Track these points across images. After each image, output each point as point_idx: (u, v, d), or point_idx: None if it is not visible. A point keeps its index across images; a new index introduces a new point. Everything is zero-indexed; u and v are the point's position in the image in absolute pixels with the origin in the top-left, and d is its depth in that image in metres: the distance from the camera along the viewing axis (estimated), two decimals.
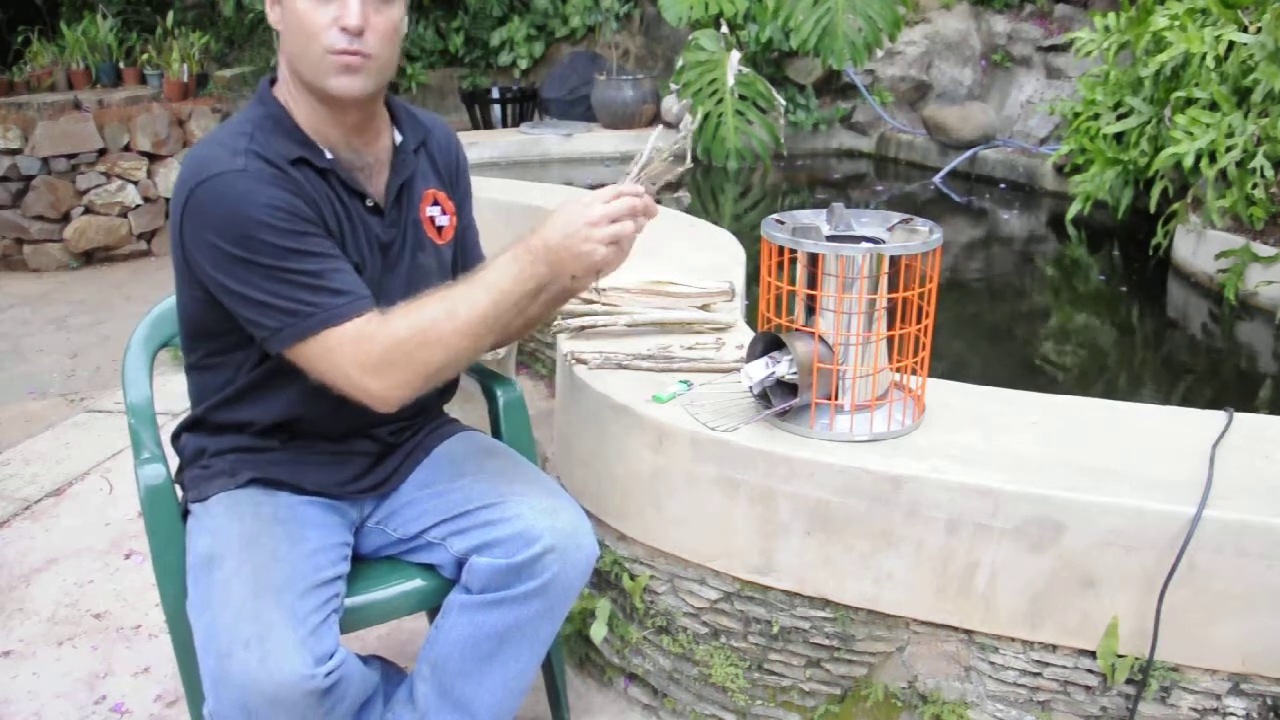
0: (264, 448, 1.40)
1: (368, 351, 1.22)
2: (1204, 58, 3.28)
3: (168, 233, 4.94)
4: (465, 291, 1.23)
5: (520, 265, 1.24)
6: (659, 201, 1.38)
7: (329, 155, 1.32)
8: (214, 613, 1.20)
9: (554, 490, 1.43)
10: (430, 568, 1.44)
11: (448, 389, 1.56)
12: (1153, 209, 3.45)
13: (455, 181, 1.52)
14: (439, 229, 1.46)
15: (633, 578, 1.71)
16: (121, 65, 5.34)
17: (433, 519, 1.42)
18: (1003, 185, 4.66)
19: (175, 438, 1.47)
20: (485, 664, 1.37)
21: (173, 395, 3.20)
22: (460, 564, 1.39)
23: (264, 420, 1.39)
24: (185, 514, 1.39)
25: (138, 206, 4.91)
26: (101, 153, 4.83)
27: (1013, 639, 1.45)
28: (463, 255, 1.53)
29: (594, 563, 1.40)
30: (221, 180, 1.22)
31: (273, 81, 1.36)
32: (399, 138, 1.42)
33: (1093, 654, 1.41)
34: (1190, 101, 3.35)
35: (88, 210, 4.82)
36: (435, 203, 1.47)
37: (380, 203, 1.38)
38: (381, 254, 1.38)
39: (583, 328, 1.86)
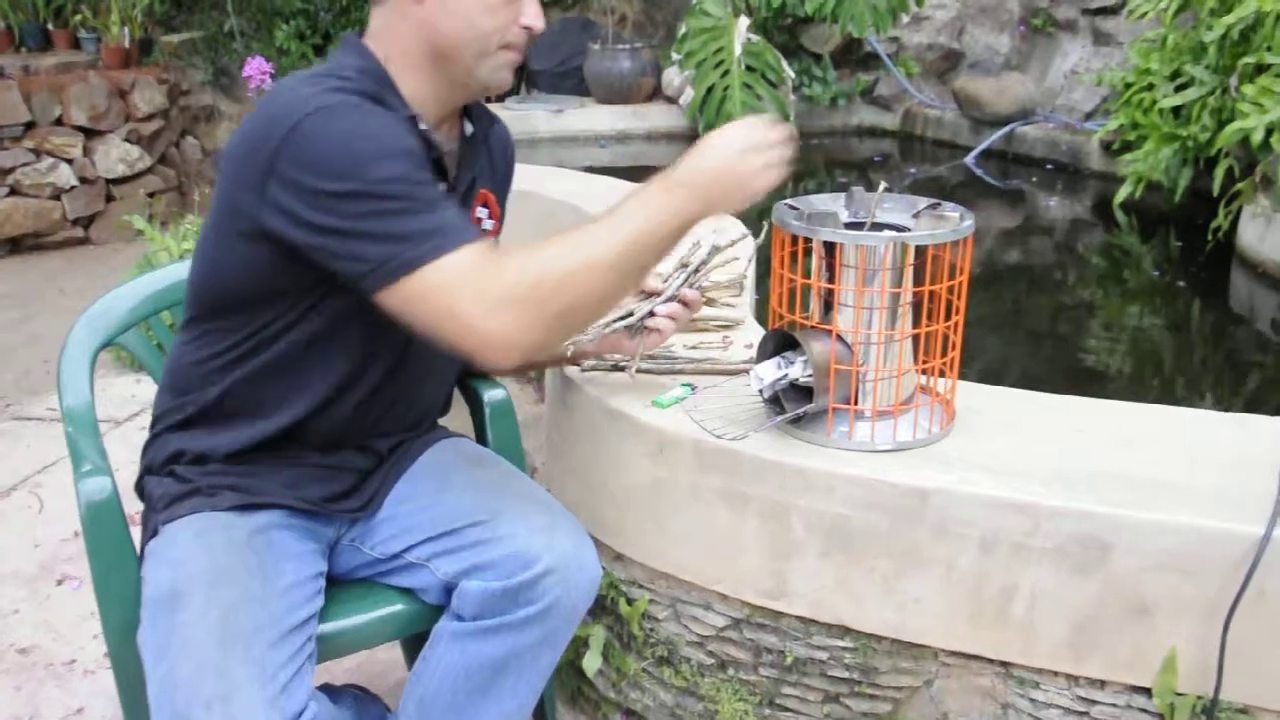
0: (252, 457, 1.40)
1: (489, 284, 1.16)
2: (1279, 18, 3.26)
3: (107, 217, 4.98)
4: (597, 228, 1.22)
5: (667, 199, 1.22)
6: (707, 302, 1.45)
7: (423, 125, 1.35)
8: (172, 662, 1.19)
9: (551, 506, 1.44)
10: (409, 591, 1.45)
11: (448, 402, 1.58)
12: (1215, 191, 3.45)
13: (505, 186, 1.57)
14: (483, 233, 1.49)
15: (630, 602, 1.73)
16: (50, 27, 5.32)
17: (415, 537, 1.43)
18: (1049, 166, 4.67)
19: (153, 439, 1.46)
20: (479, 699, 1.38)
21: (116, 400, 3.22)
22: (448, 589, 1.40)
23: (265, 425, 1.38)
24: (151, 535, 1.38)
25: (73, 188, 4.90)
26: (29, 126, 4.82)
27: (1055, 673, 1.46)
28: None
29: (598, 585, 1.41)
30: (331, 112, 1.22)
31: (360, 33, 1.39)
32: (469, 128, 1.47)
33: (1147, 691, 1.41)
34: (1261, 69, 3.34)
35: (13, 191, 4.79)
36: (485, 204, 1.51)
37: (450, 191, 1.41)
38: None
39: None
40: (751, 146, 1.24)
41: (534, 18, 1.36)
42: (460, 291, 1.16)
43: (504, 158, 1.56)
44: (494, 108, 5.56)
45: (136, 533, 1.40)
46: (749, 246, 1.42)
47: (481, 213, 1.50)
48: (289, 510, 1.40)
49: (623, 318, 1.52)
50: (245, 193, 1.25)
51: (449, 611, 1.40)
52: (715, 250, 1.54)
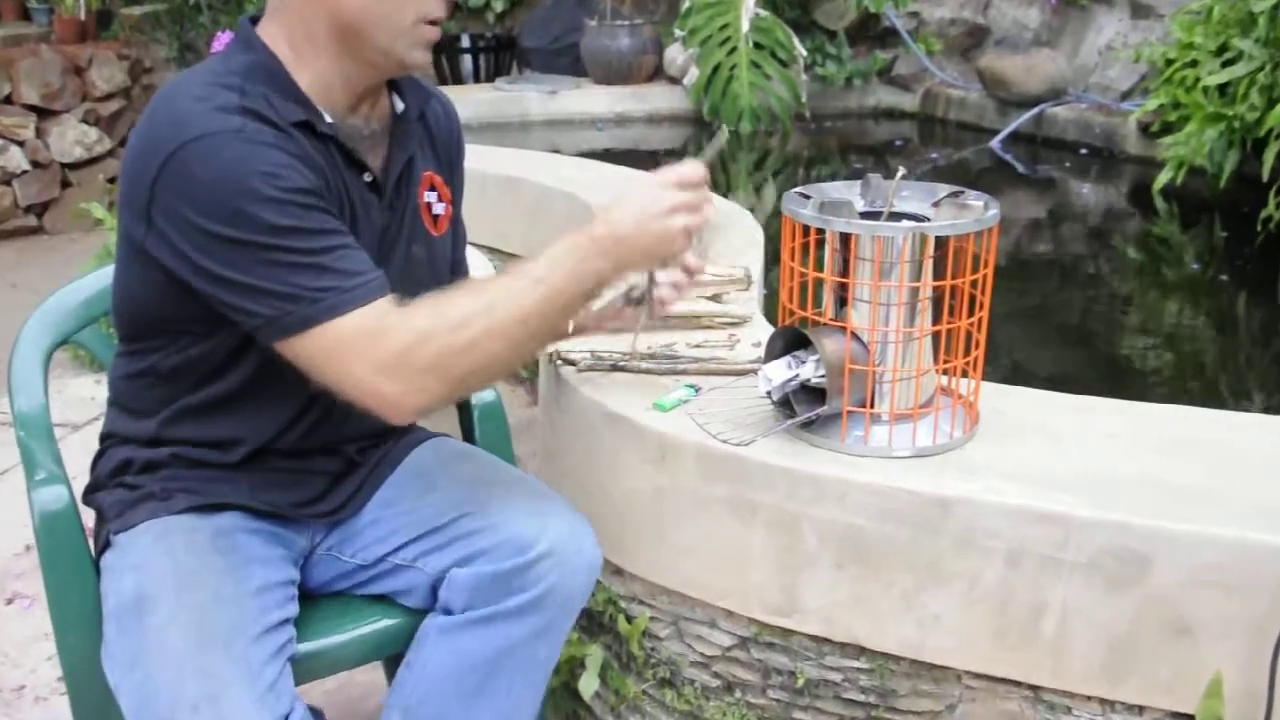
0: (209, 462, 1.40)
1: (384, 346, 1.20)
2: None
3: (63, 205, 4.98)
4: (508, 285, 1.25)
5: (580, 258, 1.26)
6: None
7: (329, 119, 1.33)
8: (149, 669, 1.20)
9: (542, 491, 1.46)
10: (394, 604, 1.45)
11: None
12: (1265, 176, 3.43)
13: (454, 164, 1.55)
14: (435, 218, 1.49)
15: (630, 619, 1.73)
16: None
17: (401, 539, 1.44)
18: (1082, 150, 4.67)
19: (102, 452, 1.46)
20: (473, 701, 1.37)
21: (73, 403, 3.21)
22: (435, 588, 1.40)
23: (218, 455, 1.39)
24: (104, 547, 1.38)
25: (24, 173, 4.91)
26: None
27: (1088, 697, 1.46)
28: (455, 249, 1.57)
29: (597, 571, 1.42)
30: (212, 143, 1.20)
31: (253, 20, 1.36)
32: (400, 105, 1.44)
33: (1189, 718, 1.42)
34: None
35: None
36: (432, 188, 1.49)
37: (380, 179, 1.39)
38: (378, 241, 1.39)
39: None
40: (664, 209, 1.31)
41: None
42: (353, 356, 1.20)
43: (447, 133, 1.54)
44: (482, 88, 5.58)
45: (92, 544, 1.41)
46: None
47: (430, 197, 1.48)
48: (252, 513, 1.40)
49: (623, 292, 1.51)
50: (134, 217, 1.26)
51: (436, 607, 1.41)
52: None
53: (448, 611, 1.39)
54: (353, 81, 1.35)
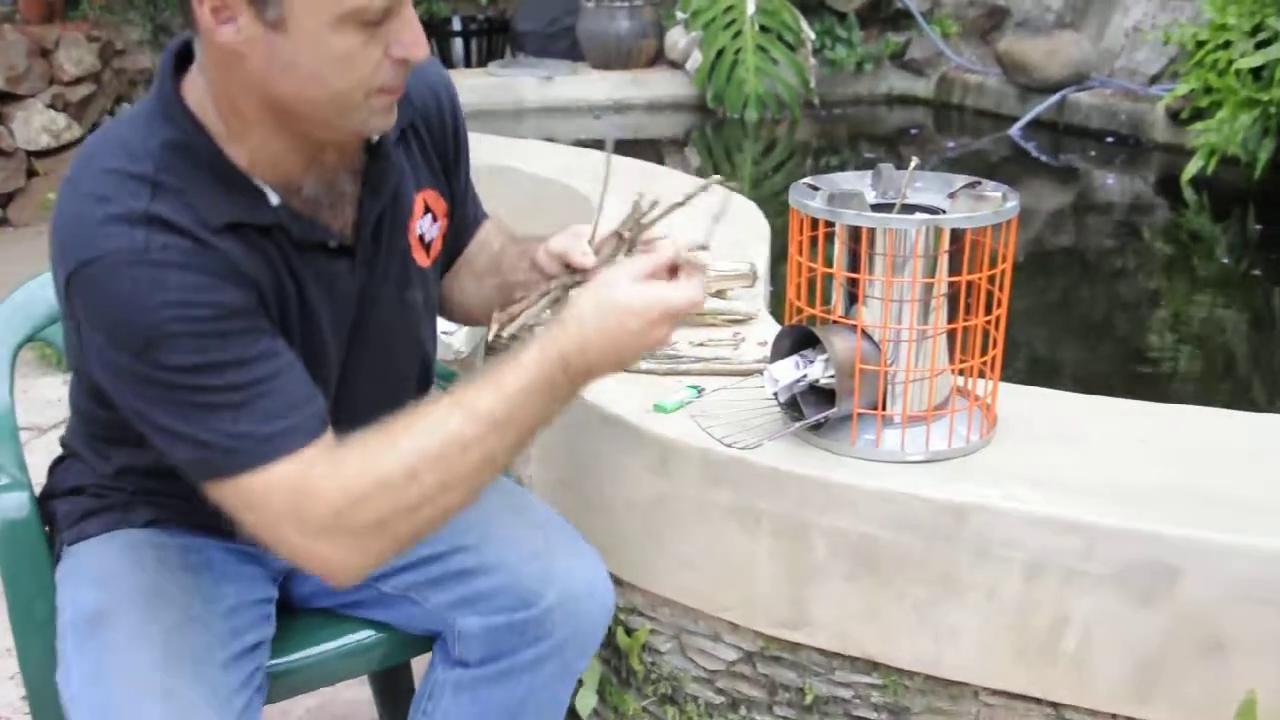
0: (176, 494, 1.31)
1: (311, 507, 1.09)
2: None
3: (29, 195, 4.97)
4: (463, 428, 1.11)
5: (550, 396, 1.14)
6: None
7: (275, 200, 1.18)
8: (108, 687, 1.18)
9: (546, 522, 1.45)
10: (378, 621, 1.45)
11: (424, 388, 1.49)
12: None
13: (454, 158, 1.42)
14: (427, 245, 1.37)
15: (629, 632, 1.73)
16: None
17: (391, 568, 1.40)
18: (1109, 139, 4.67)
19: (61, 459, 1.44)
20: None
21: (39, 404, 3.21)
22: (437, 621, 1.40)
23: (183, 506, 1.33)
24: (56, 559, 1.37)
25: None
26: None
27: (1114, 716, 1.46)
28: (456, 237, 1.46)
29: (611, 610, 1.43)
30: (111, 267, 1.07)
31: (179, 68, 1.18)
32: (374, 136, 1.27)
33: None
34: None
35: None
36: (426, 209, 1.37)
37: (349, 241, 1.26)
38: (355, 306, 1.29)
39: None
40: (653, 341, 1.17)
41: (410, 46, 1.12)
42: (277, 515, 1.11)
43: (440, 130, 1.39)
44: (474, 73, 5.57)
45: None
46: (718, 200, 1.31)
47: (423, 222, 1.36)
48: (227, 537, 1.36)
49: (543, 295, 1.33)
50: (65, 316, 1.18)
51: (447, 659, 1.40)
52: (661, 210, 1.34)
53: (464, 664, 1.39)
54: (303, 149, 1.19)
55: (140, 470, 1.33)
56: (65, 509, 1.38)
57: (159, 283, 1.07)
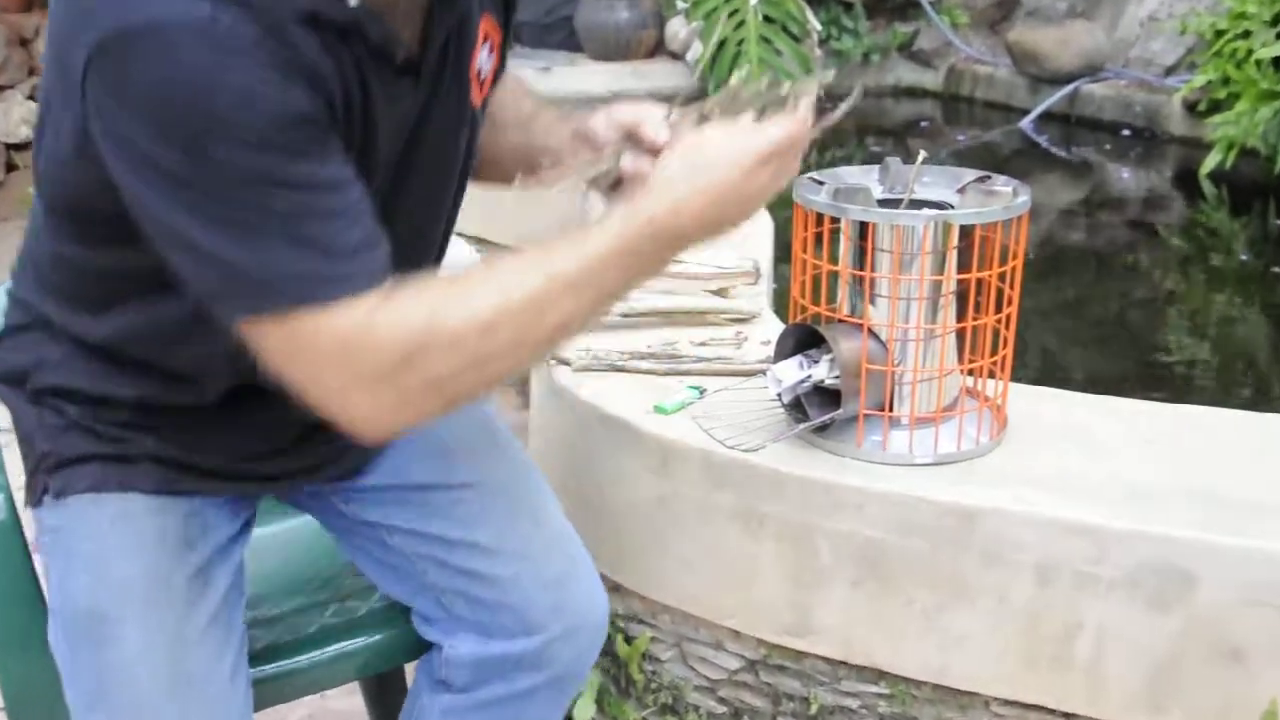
0: (178, 405, 1.19)
1: (367, 357, 0.98)
2: None
3: (8, 189, 4.98)
4: (538, 281, 1.01)
5: (638, 262, 1.04)
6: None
7: (353, 3, 1.00)
8: (111, 711, 1.15)
9: (566, 539, 1.38)
10: (367, 624, 1.44)
11: (439, 260, 1.36)
12: None
13: None
14: (482, 82, 1.22)
15: (629, 640, 1.74)
16: None
17: (402, 518, 1.34)
18: (1123, 132, 4.67)
19: (22, 326, 1.22)
20: None
21: None
22: (432, 601, 1.35)
23: (190, 358, 1.16)
24: (40, 497, 1.21)
25: None
26: None
27: None
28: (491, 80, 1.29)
29: (606, 628, 1.40)
30: (164, 36, 0.90)
31: None
32: None
33: None
34: None
35: None
36: (485, 39, 1.21)
37: (415, 58, 1.09)
38: (407, 134, 1.13)
39: None
40: (753, 194, 1.07)
41: None
42: (325, 360, 0.99)
43: None
44: None
45: (39, 562, 1.37)
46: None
47: (482, 57, 1.21)
48: (225, 477, 1.25)
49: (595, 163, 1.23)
50: (67, 95, 0.99)
51: (432, 680, 1.38)
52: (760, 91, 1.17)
53: (448, 687, 1.37)
54: None
55: (138, 341, 1.15)
56: (45, 430, 1.19)
57: (223, 66, 0.91)
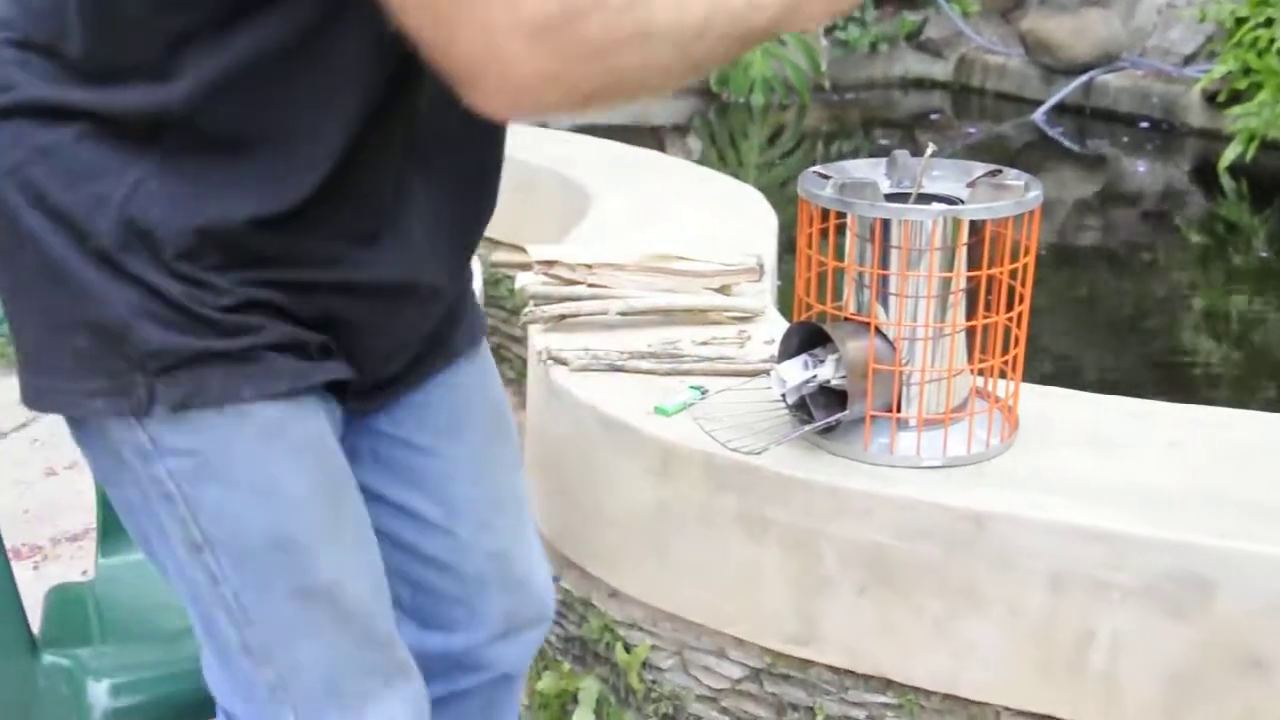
0: (307, 258, 1.04)
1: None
2: None
3: None
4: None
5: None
6: None
7: None
8: (296, 661, 1.08)
9: (533, 536, 1.38)
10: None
11: None
12: None
13: None
14: None
15: (628, 648, 1.74)
16: None
17: (388, 492, 1.26)
18: (1144, 125, 4.68)
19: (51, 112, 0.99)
20: None
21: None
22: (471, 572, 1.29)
23: (359, 208, 1.06)
24: (148, 402, 1.00)
25: None
26: None
27: None
28: None
29: (550, 623, 1.42)
30: None
31: None
32: None
33: None
34: None
35: None
36: None
37: None
38: None
39: (562, 316, 1.88)
40: None
41: None
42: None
43: None
44: None
45: (20, 569, 1.36)
46: None
47: None
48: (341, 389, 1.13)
49: None
50: None
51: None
52: None
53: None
54: None
55: (234, 96, 0.97)
56: (138, 321, 0.99)
57: None
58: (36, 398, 1.05)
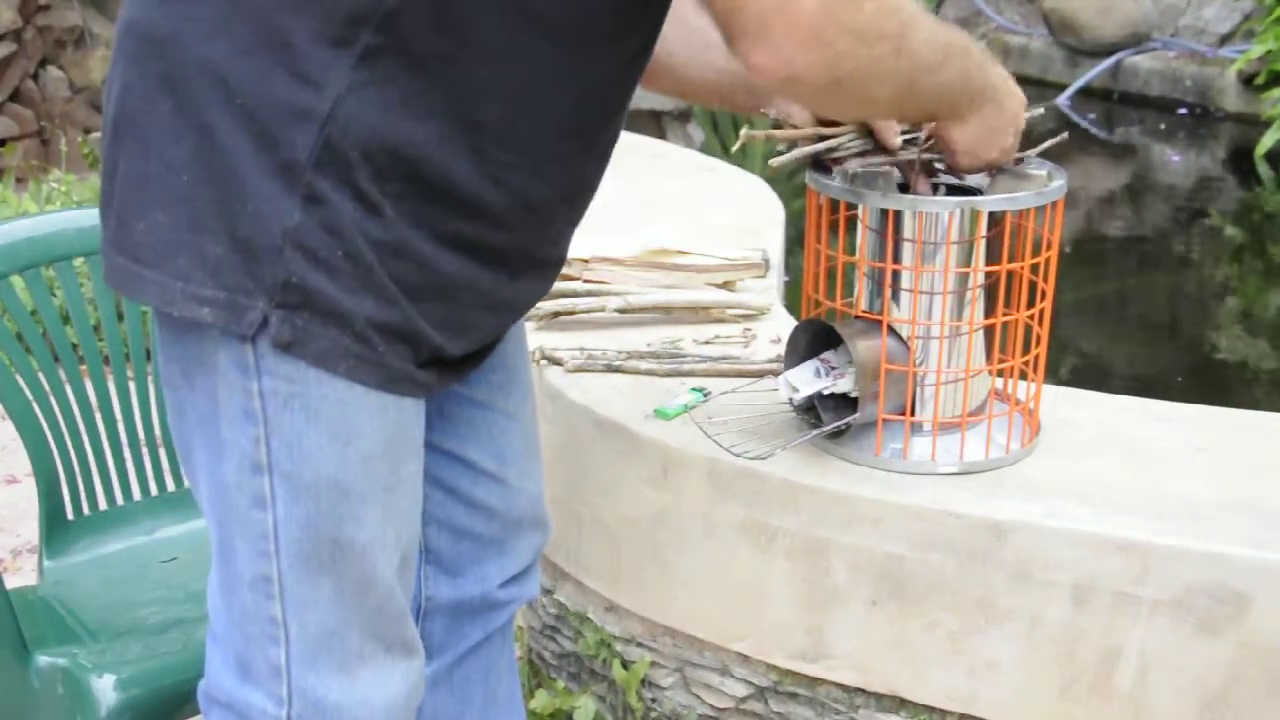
0: (476, 281, 1.13)
1: None
2: None
3: None
4: (953, 40, 1.22)
5: (997, 78, 1.33)
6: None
7: None
8: (340, 579, 1.13)
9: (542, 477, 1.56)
10: None
11: None
12: None
13: None
14: None
15: (626, 665, 1.75)
16: None
17: (441, 442, 1.36)
18: (1181, 110, 4.67)
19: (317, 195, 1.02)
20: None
21: None
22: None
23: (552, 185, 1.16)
24: (259, 329, 1.04)
25: None
26: None
27: None
28: None
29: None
30: None
31: None
32: None
33: None
34: None
35: None
36: None
37: None
38: None
39: (556, 314, 1.89)
40: (1011, 134, 1.39)
41: None
42: None
43: None
44: None
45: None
46: None
47: None
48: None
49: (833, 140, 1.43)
50: None
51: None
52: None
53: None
54: None
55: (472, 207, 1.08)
56: (306, 249, 1.02)
57: None
58: (131, 284, 1.08)
